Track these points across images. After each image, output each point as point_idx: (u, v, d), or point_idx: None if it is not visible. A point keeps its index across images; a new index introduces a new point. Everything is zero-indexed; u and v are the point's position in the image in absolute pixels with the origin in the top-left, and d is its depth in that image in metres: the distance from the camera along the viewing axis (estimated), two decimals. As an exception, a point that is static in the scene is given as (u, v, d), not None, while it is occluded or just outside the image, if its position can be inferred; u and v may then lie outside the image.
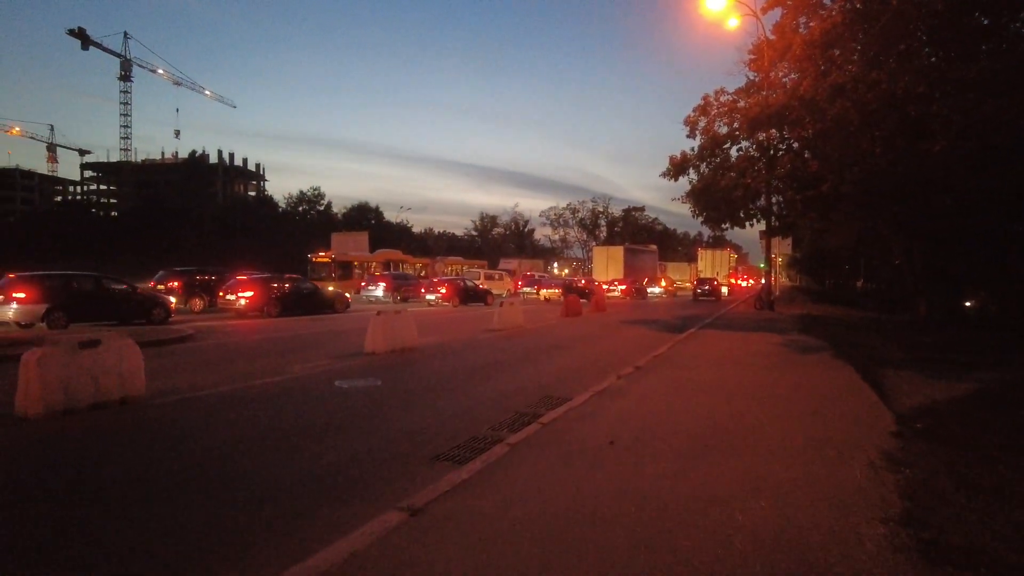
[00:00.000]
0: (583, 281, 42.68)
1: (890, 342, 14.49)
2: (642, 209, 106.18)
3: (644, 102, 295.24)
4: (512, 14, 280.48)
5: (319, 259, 33.72)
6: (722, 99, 21.87)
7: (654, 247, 67.79)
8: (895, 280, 37.58)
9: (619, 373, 9.30)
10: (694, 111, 22.22)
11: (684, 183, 22.59)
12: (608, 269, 50.64)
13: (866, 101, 16.74)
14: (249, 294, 20.49)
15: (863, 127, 16.80)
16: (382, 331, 12.20)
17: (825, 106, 17.15)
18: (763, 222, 26.46)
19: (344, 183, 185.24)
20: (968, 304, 38.26)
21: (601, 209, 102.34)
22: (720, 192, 19.55)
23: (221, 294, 21.37)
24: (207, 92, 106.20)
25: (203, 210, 74.11)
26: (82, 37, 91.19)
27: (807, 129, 18.34)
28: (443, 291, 28.47)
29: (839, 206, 19.88)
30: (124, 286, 17.76)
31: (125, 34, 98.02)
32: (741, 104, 21.06)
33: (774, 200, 21.69)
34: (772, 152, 20.64)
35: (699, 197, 20.81)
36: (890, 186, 17.74)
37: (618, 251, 53.47)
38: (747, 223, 21.51)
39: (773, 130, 20.60)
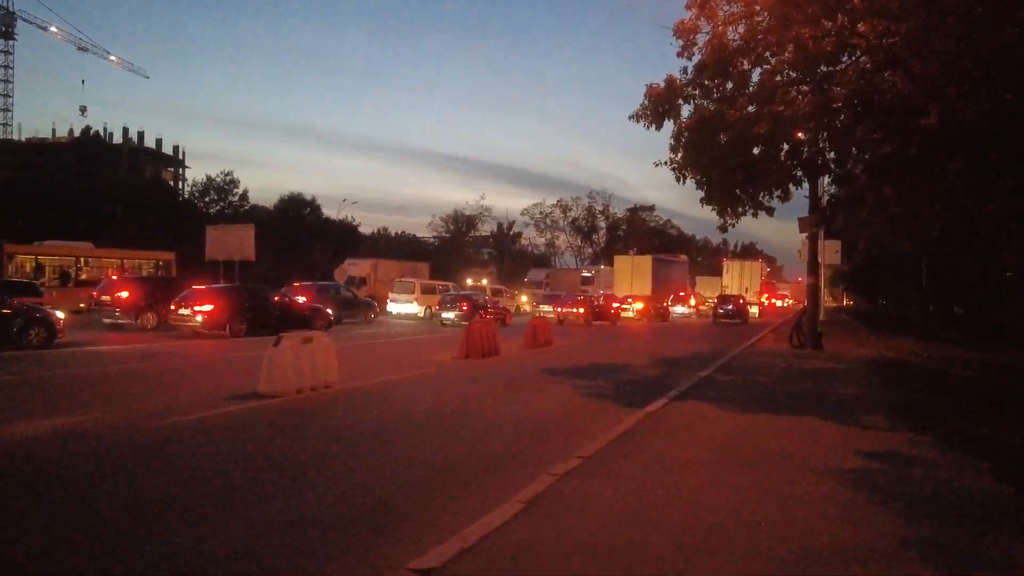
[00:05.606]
0: (603, 299, 38.70)
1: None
2: (651, 208, 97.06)
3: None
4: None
5: None
6: (737, -15, 14.46)
7: (684, 257, 62.16)
8: (992, 302, 30.19)
9: None
10: (689, 7, 14.82)
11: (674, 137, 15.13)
12: (633, 283, 46.04)
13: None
14: (208, 308, 19.36)
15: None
16: None
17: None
18: (803, 199, 19.11)
19: (306, 177, 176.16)
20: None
21: (600, 208, 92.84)
22: (729, 133, 11.96)
23: (173, 308, 20.29)
24: (113, 58, 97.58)
25: (81, 196, 66.35)
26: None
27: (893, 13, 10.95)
28: (464, 308, 29.30)
29: (947, 166, 12.49)
30: None
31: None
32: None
33: (827, 150, 13.72)
34: (826, 68, 13.16)
35: (691, 142, 13.06)
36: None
37: (645, 262, 48.27)
38: (775, 198, 13.89)
39: (825, 39, 13.16)
